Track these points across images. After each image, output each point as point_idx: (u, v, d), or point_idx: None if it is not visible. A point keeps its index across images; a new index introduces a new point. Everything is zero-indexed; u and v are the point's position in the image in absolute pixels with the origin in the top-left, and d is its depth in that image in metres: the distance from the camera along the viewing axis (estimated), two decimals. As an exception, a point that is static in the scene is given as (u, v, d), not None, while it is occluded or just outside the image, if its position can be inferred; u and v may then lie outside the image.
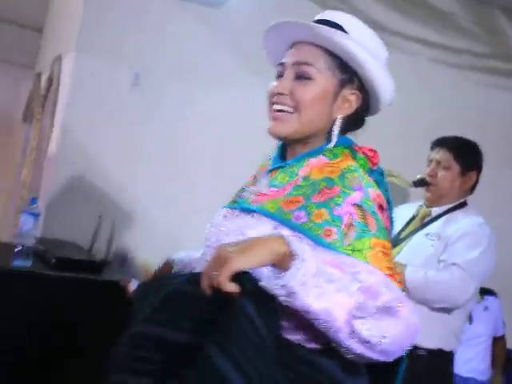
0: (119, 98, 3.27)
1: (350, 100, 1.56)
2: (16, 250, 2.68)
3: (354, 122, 1.61)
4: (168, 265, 1.80)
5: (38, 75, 4.42)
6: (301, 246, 1.27)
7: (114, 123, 3.27)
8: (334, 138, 1.55)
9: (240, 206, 1.58)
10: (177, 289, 1.39)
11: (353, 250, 1.37)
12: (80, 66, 3.24)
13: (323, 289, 1.25)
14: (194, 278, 1.36)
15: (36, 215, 2.70)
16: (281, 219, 1.44)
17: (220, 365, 1.22)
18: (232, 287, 1.23)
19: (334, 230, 1.39)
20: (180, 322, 1.34)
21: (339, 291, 1.26)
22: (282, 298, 1.26)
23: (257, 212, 1.50)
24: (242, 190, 1.66)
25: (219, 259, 1.25)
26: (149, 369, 1.33)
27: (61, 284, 2.62)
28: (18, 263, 2.65)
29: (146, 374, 1.33)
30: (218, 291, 1.25)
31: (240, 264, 1.23)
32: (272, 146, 1.67)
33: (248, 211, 1.53)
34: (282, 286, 1.25)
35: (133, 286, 1.73)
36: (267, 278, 1.28)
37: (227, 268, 1.23)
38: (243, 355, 1.23)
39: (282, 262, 1.26)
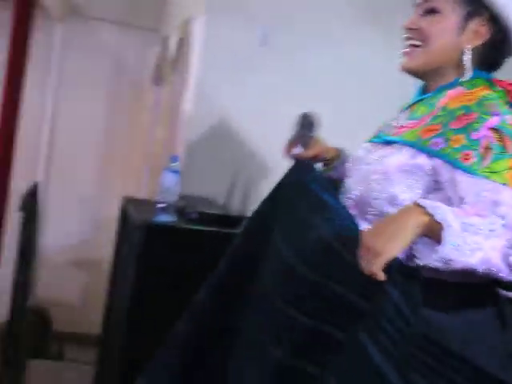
0: (250, 57, 3.36)
1: (479, 32, 1.59)
2: (159, 206, 2.84)
3: (488, 57, 1.63)
4: (334, 150, 1.84)
5: (165, 38, 4.56)
6: (441, 210, 1.32)
7: (245, 82, 3.36)
8: (468, 69, 1.59)
9: (381, 138, 1.67)
10: (328, 243, 1.46)
11: (491, 172, 1.41)
12: (211, 27, 3.34)
13: (474, 243, 1.30)
14: (346, 240, 1.43)
15: (177, 172, 2.84)
16: (419, 147, 1.51)
17: (372, 354, 1.32)
18: (382, 276, 1.30)
19: (472, 153, 1.43)
20: (334, 279, 1.43)
21: (488, 237, 1.32)
22: (440, 268, 1.33)
23: (396, 142, 1.58)
24: (384, 125, 1.73)
25: (371, 250, 1.30)
26: (311, 312, 1.43)
27: (202, 237, 2.75)
28: (162, 218, 2.80)
29: (309, 315, 1.43)
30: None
31: (392, 253, 1.30)
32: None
33: (388, 143, 1.61)
34: (439, 258, 1.31)
35: (296, 150, 1.75)
36: (420, 255, 1.35)
37: (380, 260, 1.29)
38: (391, 342, 1.32)
39: (428, 232, 1.32)
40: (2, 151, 3.26)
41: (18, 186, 3.85)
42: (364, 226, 1.51)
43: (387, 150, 1.58)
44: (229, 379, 1.60)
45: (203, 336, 1.70)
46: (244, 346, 1.59)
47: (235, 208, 3.04)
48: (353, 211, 1.56)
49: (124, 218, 3.20)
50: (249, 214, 2.97)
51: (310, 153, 1.72)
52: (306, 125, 1.75)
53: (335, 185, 1.72)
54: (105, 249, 3.83)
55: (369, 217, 1.54)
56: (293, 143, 1.76)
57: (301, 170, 1.64)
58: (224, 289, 1.70)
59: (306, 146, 1.72)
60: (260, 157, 3.27)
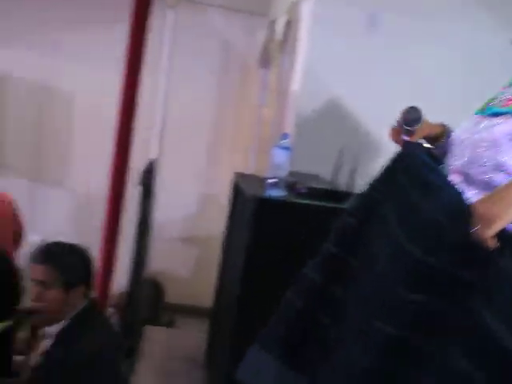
0: (357, 38, 3.43)
1: None
2: (269, 181, 2.97)
3: None
4: (439, 127, 1.88)
5: (272, 22, 4.68)
6: None
7: (352, 62, 3.44)
8: None
9: (488, 111, 1.72)
10: (436, 219, 1.52)
11: None
12: (319, 9, 3.43)
13: None
14: (453, 214, 1.49)
15: (287, 149, 2.95)
16: None
17: (492, 326, 1.37)
18: (494, 243, 1.37)
19: None
20: (442, 255, 1.48)
21: None
22: None
23: (505, 113, 1.63)
24: (490, 99, 1.79)
25: (484, 217, 1.37)
26: (421, 289, 1.50)
27: (310, 212, 2.83)
28: (273, 193, 2.93)
29: (420, 292, 1.50)
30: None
31: (505, 219, 1.37)
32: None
33: (496, 114, 1.66)
34: None
35: (402, 136, 1.81)
36: None
37: (493, 226, 1.36)
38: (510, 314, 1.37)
39: None
40: (122, 130, 3.46)
41: (134, 163, 4.05)
42: (469, 192, 1.57)
43: (496, 120, 1.64)
44: (334, 355, 1.67)
45: (311, 313, 1.77)
46: (351, 324, 1.66)
47: (342, 184, 3.13)
48: (458, 178, 1.63)
49: (236, 193, 3.35)
50: (356, 189, 3.09)
51: (418, 137, 1.78)
52: (411, 119, 1.81)
53: (442, 162, 1.78)
54: (215, 223, 4.00)
55: (475, 182, 1.59)
56: (398, 131, 1.83)
57: (410, 153, 1.69)
58: (332, 267, 1.76)
59: (410, 136, 1.78)
60: (366, 133, 3.35)
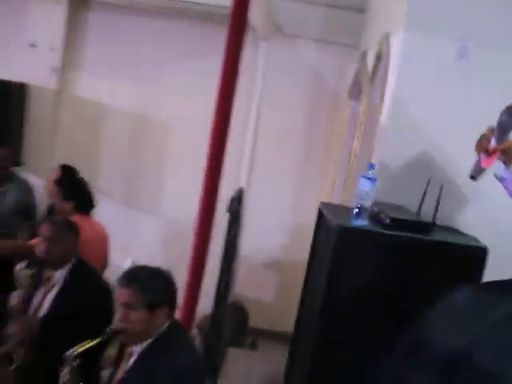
0: (446, 70, 3.42)
1: None
2: (354, 210, 3.01)
3: None
4: None
5: (363, 54, 4.73)
6: None
7: (441, 95, 3.43)
8: None
9: None
10: None
11: None
12: (409, 41, 3.45)
13: None
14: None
15: (373, 180, 2.99)
16: None
17: None
18: None
19: None
20: None
21: None
22: None
23: None
24: None
25: None
26: None
27: (393, 242, 2.85)
28: (357, 222, 2.96)
29: None
30: None
31: None
32: None
33: None
34: None
35: (492, 143, 1.72)
36: None
37: None
38: None
39: None
40: (213, 158, 3.55)
41: (223, 191, 4.15)
42: None
43: None
44: None
45: None
46: None
47: (427, 215, 3.12)
48: None
49: (320, 221, 3.39)
50: (439, 221, 3.07)
51: (501, 147, 1.71)
52: (507, 125, 1.73)
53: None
54: (300, 251, 4.04)
55: None
56: (485, 140, 1.77)
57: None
58: None
59: (503, 134, 1.69)
60: (452, 166, 3.33)
